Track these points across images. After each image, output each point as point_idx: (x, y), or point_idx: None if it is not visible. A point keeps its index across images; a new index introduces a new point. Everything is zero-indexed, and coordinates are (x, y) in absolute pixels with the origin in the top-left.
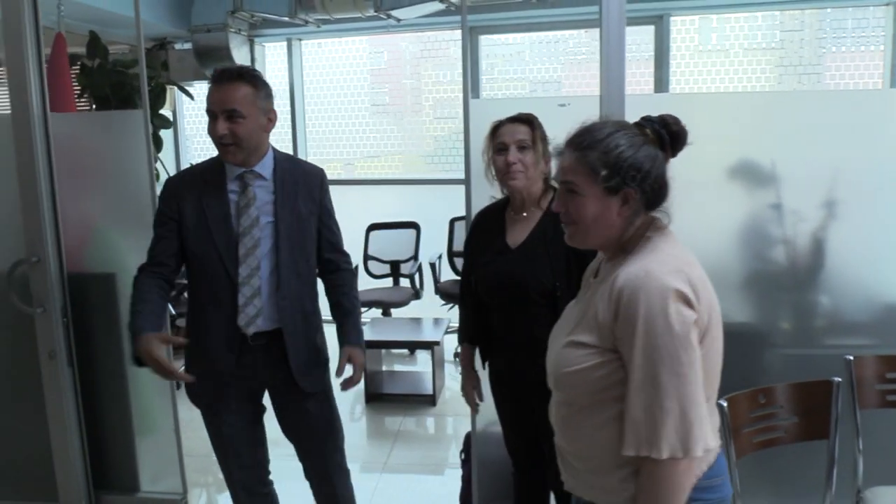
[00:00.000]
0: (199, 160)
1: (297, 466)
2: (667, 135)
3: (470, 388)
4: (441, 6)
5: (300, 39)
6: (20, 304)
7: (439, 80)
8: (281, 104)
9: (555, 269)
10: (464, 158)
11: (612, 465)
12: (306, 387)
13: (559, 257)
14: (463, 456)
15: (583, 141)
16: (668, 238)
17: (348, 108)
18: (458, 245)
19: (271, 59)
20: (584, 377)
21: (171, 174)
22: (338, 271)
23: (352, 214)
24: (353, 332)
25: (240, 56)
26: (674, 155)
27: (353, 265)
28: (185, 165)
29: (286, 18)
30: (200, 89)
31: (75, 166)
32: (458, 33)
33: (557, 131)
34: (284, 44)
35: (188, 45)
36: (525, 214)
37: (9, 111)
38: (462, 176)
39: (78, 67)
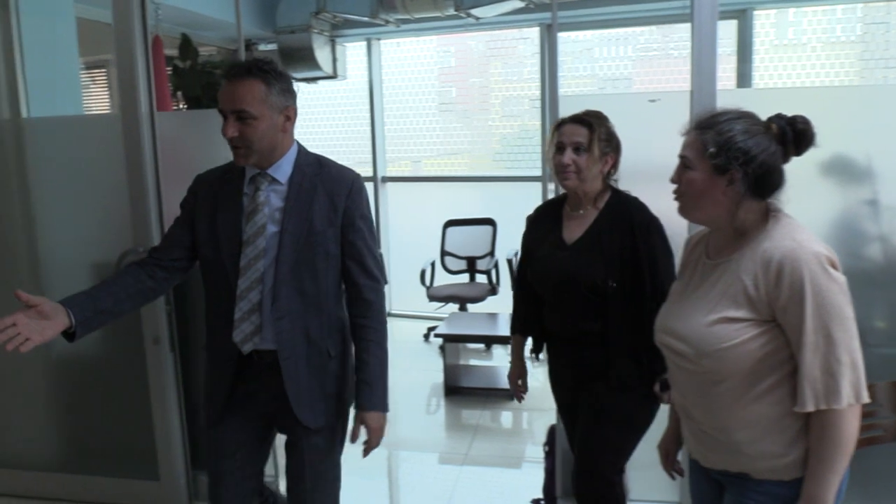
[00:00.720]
0: None
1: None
2: (791, 132)
3: (515, 378)
4: (520, 4)
5: (379, 39)
6: None
7: (507, 78)
8: (360, 103)
9: (608, 267)
10: (541, 155)
11: (775, 431)
12: (306, 420)
13: (613, 256)
14: (547, 448)
15: (705, 122)
16: (792, 220)
17: (418, 107)
18: None
19: (352, 59)
20: (742, 350)
21: None
22: (357, 301)
23: (426, 211)
24: (366, 393)
25: (322, 56)
26: (798, 153)
27: (384, 289)
28: None
29: (367, 19)
30: None
31: (176, 162)
32: (527, 31)
33: (648, 126)
34: (364, 43)
35: (272, 46)
36: (581, 212)
37: (111, 110)
38: (537, 173)
39: (171, 69)
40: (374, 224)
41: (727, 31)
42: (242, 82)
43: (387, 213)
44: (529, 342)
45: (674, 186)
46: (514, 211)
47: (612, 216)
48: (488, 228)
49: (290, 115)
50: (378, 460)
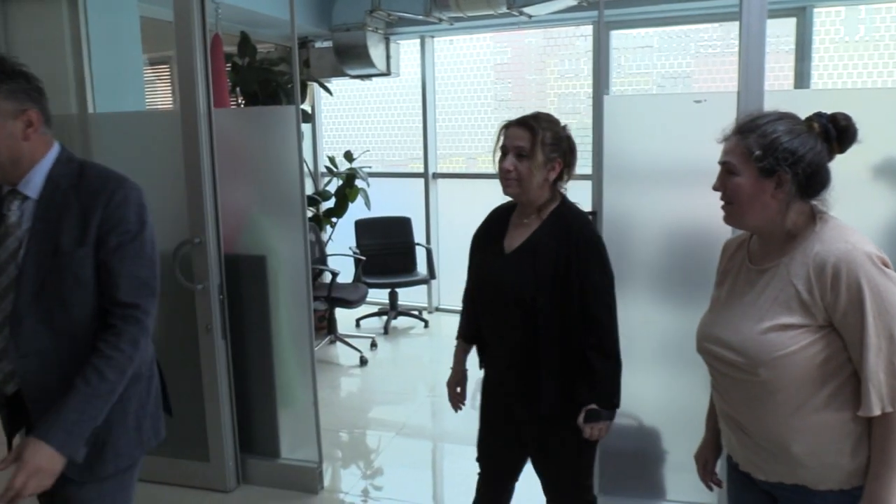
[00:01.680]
0: (335, 152)
1: (405, 449)
2: (833, 130)
3: (453, 385)
4: (573, 2)
5: (433, 37)
6: (183, 281)
7: (563, 75)
8: (413, 100)
9: (538, 282)
10: (593, 155)
11: (837, 439)
12: (67, 470)
13: (545, 271)
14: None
15: (746, 126)
16: (840, 221)
17: (473, 104)
18: None
19: (405, 56)
20: (799, 357)
21: (310, 166)
22: (105, 326)
23: (477, 208)
24: (47, 420)
25: (376, 53)
26: (841, 151)
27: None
28: (321, 157)
29: (421, 17)
30: (339, 85)
31: (232, 157)
32: (584, 28)
33: (693, 127)
34: (418, 41)
35: (328, 44)
36: (526, 221)
37: (172, 106)
38: (589, 171)
39: (229, 66)
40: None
41: (785, 30)
42: None
43: (437, 210)
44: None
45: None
46: None
47: (552, 229)
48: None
49: (31, 120)
50: (423, 453)
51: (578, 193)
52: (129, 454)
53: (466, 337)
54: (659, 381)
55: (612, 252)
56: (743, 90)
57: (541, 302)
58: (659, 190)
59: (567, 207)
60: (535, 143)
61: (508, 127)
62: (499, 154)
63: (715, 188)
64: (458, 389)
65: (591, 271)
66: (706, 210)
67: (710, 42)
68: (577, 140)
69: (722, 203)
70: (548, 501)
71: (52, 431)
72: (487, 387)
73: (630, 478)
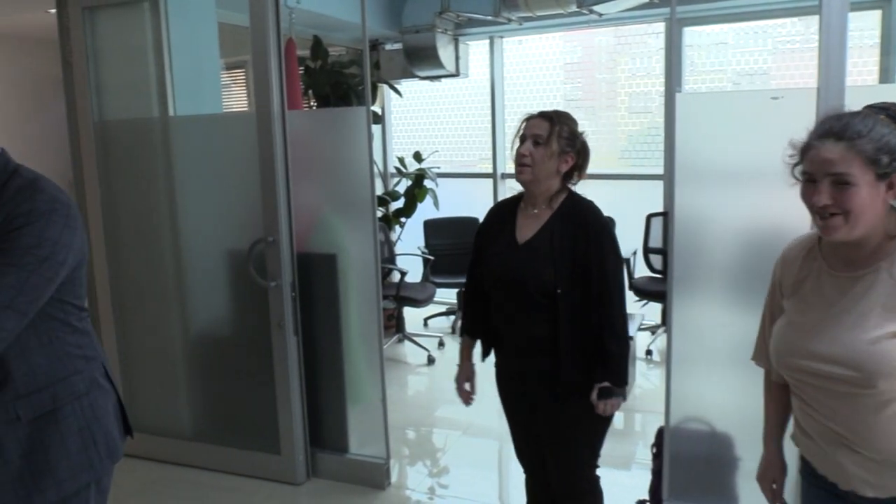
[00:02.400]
0: (404, 153)
1: (471, 449)
2: None
3: (462, 381)
4: None
5: (501, 37)
6: (257, 278)
7: (635, 73)
8: (482, 101)
9: (557, 271)
10: (665, 154)
11: None
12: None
13: (563, 258)
14: (654, 450)
15: (846, 131)
16: None
17: (542, 104)
18: (655, 241)
19: (474, 57)
20: None
21: (380, 166)
22: None
23: None
24: None
25: (445, 54)
26: None
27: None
28: (391, 158)
29: (490, 17)
30: (408, 87)
31: (304, 158)
32: (656, 25)
33: (769, 124)
34: (487, 42)
35: (398, 46)
36: (535, 211)
37: (245, 108)
38: (660, 171)
39: (302, 69)
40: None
41: (869, 23)
42: None
43: None
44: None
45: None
46: (635, 210)
47: (565, 218)
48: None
49: None
50: (489, 452)
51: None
52: (72, 478)
53: (471, 332)
54: (732, 385)
55: (683, 253)
56: (823, 86)
57: (563, 289)
58: (732, 190)
59: (577, 198)
60: (552, 133)
61: (530, 119)
62: (517, 143)
63: (822, 205)
64: (468, 386)
65: (606, 256)
66: (781, 210)
67: (789, 37)
68: (648, 139)
69: (823, 216)
70: (553, 481)
71: None
72: (504, 378)
73: (700, 484)
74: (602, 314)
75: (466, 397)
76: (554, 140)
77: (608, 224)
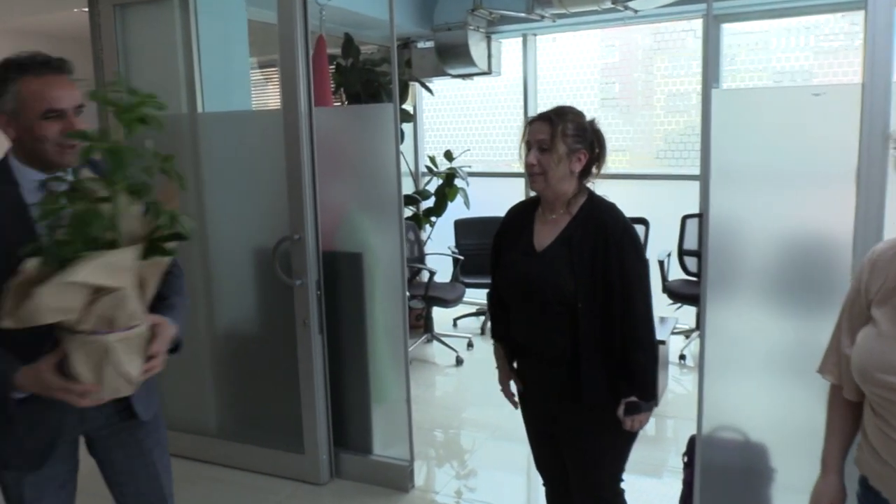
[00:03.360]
0: (435, 152)
1: (499, 452)
2: None
3: (506, 382)
4: None
5: (535, 35)
6: (283, 276)
7: (673, 73)
8: (515, 99)
9: (577, 280)
10: (700, 153)
11: None
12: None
13: (583, 266)
14: (686, 459)
15: None
16: None
17: (578, 103)
18: (690, 243)
19: (507, 55)
20: None
21: (411, 165)
22: None
23: None
24: None
25: (477, 52)
26: None
27: None
28: (422, 157)
29: (523, 14)
30: (440, 85)
31: (332, 155)
32: (695, 23)
33: (811, 122)
34: (520, 39)
35: (430, 44)
36: (553, 217)
37: (271, 106)
38: (696, 171)
39: (333, 66)
40: None
41: None
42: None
43: None
44: None
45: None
46: (670, 211)
47: (584, 223)
48: (640, 228)
49: None
50: (517, 456)
51: (686, 195)
52: None
53: (499, 337)
54: (768, 393)
55: (720, 256)
56: (868, 82)
57: (582, 298)
58: (771, 190)
59: (597, 200)
60: (554, 135)
61: (532, 122)
62: (524, 150)
63: None
64: (513, 387)
65: (629, 262)
66: (822, 212)
67: (832, 35)
68: (686, 139)
69: None
70: (576, 496)
71: None
72: (527, 394)
73: (733, 496)
74: (627, 324)
75: (512, 399)
76: (559, 142)
77: (630, 227)
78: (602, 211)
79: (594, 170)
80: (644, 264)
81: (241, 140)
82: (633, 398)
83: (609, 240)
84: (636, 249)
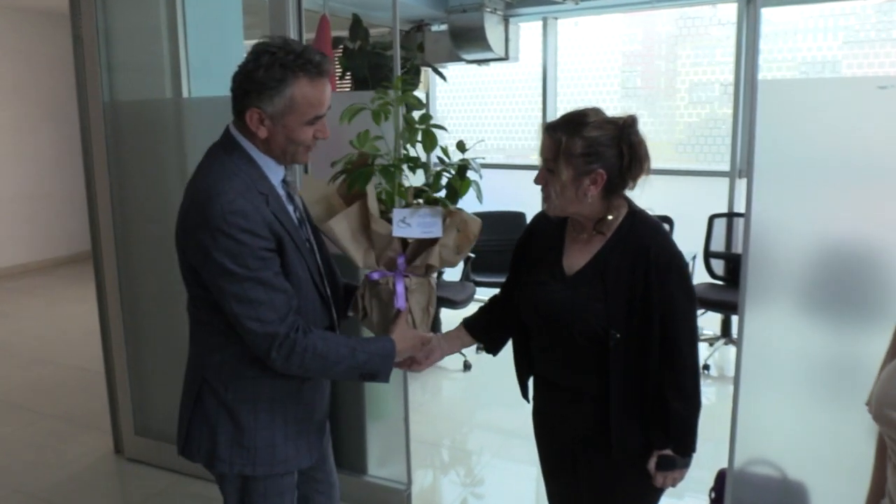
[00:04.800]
0: (448, 142)
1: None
2: None
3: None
4: None
5: (556, 18)
6: None
7: (697, 61)
8: (533, 87)
9: (610, 313)
10: (732, 149)
11: None
12: None
13: (618, 299)
14: (713, 495)
15: None
16: None
17: (598, 91)
18: (716, 245)
19: (525, 40)
20: None
21: (422, 156)
22: None
23: None
24: None
25: (494, 36)
26: None
27: None
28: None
29: None
30: (454, 71)
31: (328, 143)
32: (722, 8)
33: (876, 117)
34: (539, 23)
35: (444, 27)
36: (585, 236)
37: None
38: (724, 167)
39: (341, 49)
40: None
41: None
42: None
43: None
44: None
45: None
46: (693, 208)
47: (623, 247)
48: (664, 227)
49: None
50: (527, 479)
51: (711, 192)
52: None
53: (473, 329)
54: (811, 423)
55: (761, 261)
56: None
57: (615, 337)
58: (821, 191)
59: (638, 219)
60: (557, 157)
61: (543, 132)
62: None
63: None
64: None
65: (674, 296)
66: (882, 216)
67: (861, 25)
68: (708, 132)
69: None
70: None
71: None
72: (541, 423)
73: None
74: (667, 368)
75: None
76: (562, 165)
77: (679, 255)
78: (644, 233)
79: (632, 183)
80: (692, 301)
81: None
82: (669, 451)
83: (651, 269)
84: (684, 283)
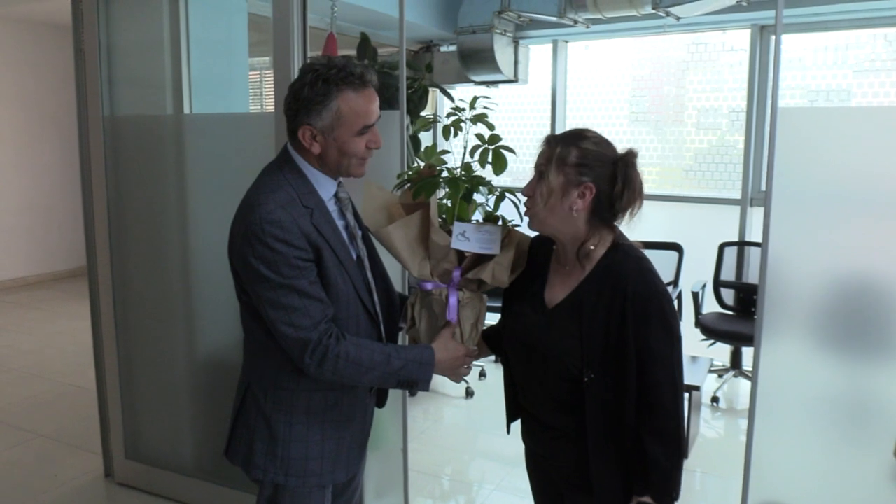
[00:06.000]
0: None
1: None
2: None
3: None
4: (731, 2)
5: (566, 41)
6: None
7: (706, 87)
8: (542, 110)
9: (585, 351)
10: (743, 175)
11: None
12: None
13: (594, 337)
14: None
15: None
16: None
17: (607, 115)
18: (727, 274)
19: (535, 62)
20: None
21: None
22: None
23: None
24: None
25: (503, 58)
26: None
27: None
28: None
29: (554, 18)
30: (462, 93)
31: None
32: (732, 35)
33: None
34: (549, 46)
35: (453, 48)
36: (567, 268)
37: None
38: (735, 195)
39: None
40: None
41: None
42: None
43: None
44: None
45: None
46: (702, 236)
47: (601, 282)
48: (673, 255)
49: None
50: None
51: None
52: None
53: (489, 341)
54: (829, 465)
55: (777, 293)
56: None
57: (590, 377)
58: (841, 222)
59: (621, 253)
60: (549, 160)
61: (543, 143)
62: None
63: None
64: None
65: (652, 336)
66: None
67: (872, 53)
68: (718, 158)
69: None
70: None
71: None
72: (534, 459)
73: None
74: (645, 411)
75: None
76: (552, 169)
77: (660, 293)
78: (623, 268)
79: (620, 215)
80: (674, 341)
81: (230, 145)
82: (647, 499)
83: (627, 309)
84: (664, 323)
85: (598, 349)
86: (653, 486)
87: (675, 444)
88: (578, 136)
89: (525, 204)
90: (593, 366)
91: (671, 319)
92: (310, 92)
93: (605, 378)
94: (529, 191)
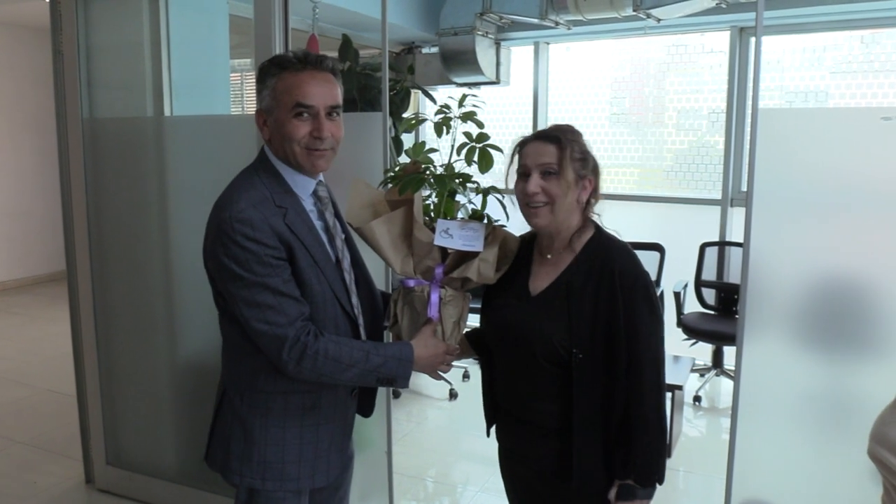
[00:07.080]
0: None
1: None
2: None
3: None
4: (710, 4)
5: (548, 43)
6: None
7: (685, 88)
8: (523, 111)
9: (574, 331)
10: (724, 176)
11: None
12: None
13: (583, 317)
14: None
15: None
16: None
17: (587, 116)
18: (708, 274)
19: (516, 64)
20: None
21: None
22: None
23: None
24: None
25: (485, 60)
26: None
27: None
28: None
29: (536, 20)
30: (444, 94)
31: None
32: (710, 37)
33: (878, 148)
34: (531, 47)
35: (435, 49)
36: (550, 256)
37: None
38: (715, 195)
39: None
40: None
41: None
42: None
43: None
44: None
45: None
46: (683, 236)
47: (589, 265)
48: (654, 255)
49: None
50: None
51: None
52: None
53: (472, 340)
54: (812, 463)
55: (759, 293)
56: None
57: (578, 357)
58: (821, 223)
59: (605, 238)
60: (563, 158)
61: (525, 144)
62: (513, 178)
63: None
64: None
65: (640, 319)
66: (884, 248)
67: (848, 56)
68: (698, 159)
69: None
70: None
71: None
72: (504, 456)
73: None
74: (631, 394)
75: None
76: (568, 166)
77: (645, 276)
78: (611, 252)
79: (593, 199)
80: (659, 324)
81: (210, 147)
82: (630, 481)
83: (617, 289)
84: (650, 304)
85: (587, 327)
86: (636, 470)
87: (658, 427)
88: (571, 131)
89: (533, 202)
90: (581, 346)
91: (656, 302)
92: (258, 80)
93: (593, 359)
94: (538, 187)
